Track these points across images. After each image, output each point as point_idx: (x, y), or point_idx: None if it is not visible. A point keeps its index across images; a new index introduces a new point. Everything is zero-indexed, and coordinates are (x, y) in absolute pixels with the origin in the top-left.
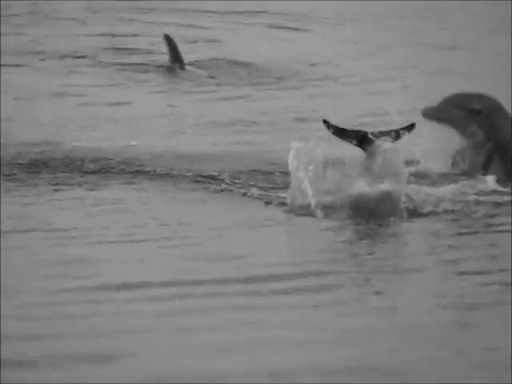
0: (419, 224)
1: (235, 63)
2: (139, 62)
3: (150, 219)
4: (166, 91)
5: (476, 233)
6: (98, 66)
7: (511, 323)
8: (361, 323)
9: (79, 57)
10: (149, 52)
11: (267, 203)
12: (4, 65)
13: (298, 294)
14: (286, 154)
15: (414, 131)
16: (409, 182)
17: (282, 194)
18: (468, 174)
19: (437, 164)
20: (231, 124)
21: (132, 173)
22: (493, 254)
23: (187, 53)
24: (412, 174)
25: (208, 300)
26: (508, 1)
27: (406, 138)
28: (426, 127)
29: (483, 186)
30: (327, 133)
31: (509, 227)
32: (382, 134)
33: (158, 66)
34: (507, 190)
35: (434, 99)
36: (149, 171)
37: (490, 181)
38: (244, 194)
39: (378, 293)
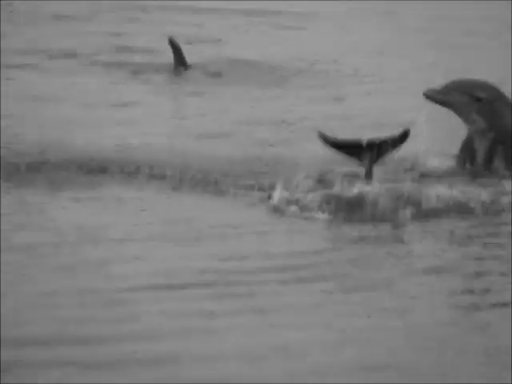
0: (423, 225)
1: (240, 62)
2: (143, 61)
3: (151, 219)
4: (169, 92)
5: (483, 236)
6: (100, 65)
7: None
8: (365, 324)
9: (81, 56)
10: (153, 52)
11: (267, 204)
12: (4, 64)
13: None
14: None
15: (414, 130)
16: (413, 181)
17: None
18: (472, 170)
19: (439, 162)
20: (235, 125)
21: (132, 173)
22: (498, 255)
23: (191, 53)
24: (416, 173)
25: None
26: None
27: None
28: (426, 126)
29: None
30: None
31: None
32: (377, 143)
33: (161, 66)
34: None
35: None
36: (149, 171)
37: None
38: (245, 196)
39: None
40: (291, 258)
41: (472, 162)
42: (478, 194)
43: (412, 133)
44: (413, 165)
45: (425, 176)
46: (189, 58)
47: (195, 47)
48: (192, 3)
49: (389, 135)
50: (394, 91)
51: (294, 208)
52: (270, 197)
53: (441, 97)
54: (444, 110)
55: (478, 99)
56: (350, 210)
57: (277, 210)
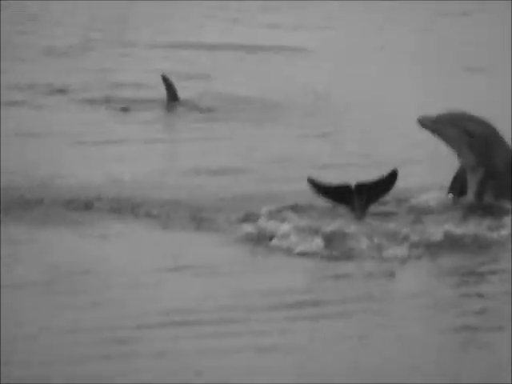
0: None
1: (231, 98)
2: (134, 97)
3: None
4: (160, 128)
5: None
6: (91, 101)
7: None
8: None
9: (72, 92)
10: (144, 87)
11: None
12: None
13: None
14: (280, 190)
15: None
16: (405, 215)
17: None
18: (464, 204)
19: (431, 195)
20: (227, 161)
21: (122, 209)
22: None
23: (183, 88)
24: (410, 208)
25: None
26: (508, 1)
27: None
28: (419, 160)
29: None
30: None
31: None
32: (366, 187)
33: (153, 102)
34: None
35: None
36: (139, 208)
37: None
38: (234, 232)
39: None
40: (279, 296)
41: (464, 194)
42: (471, 227)
43: (405, 168)
44: (405, 199)
45: (417, 210)
46: (180, 93)
47: (186, 83)
48: (182, 39)
49: (378, 177)
50: (387, 126)
51: (282, 243)
52: (259, 233)
53: (434, 126)
54: (437, 143)
55: (471, 135)
56: (338, 245)
57: (265, 246)
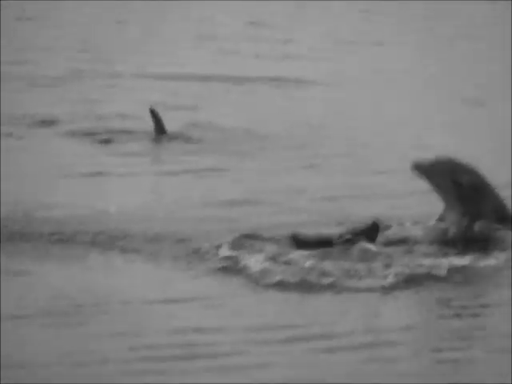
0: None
1: (217, 129)
2: (120, 128)
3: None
4: (147, 160)
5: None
6: (76, 133)
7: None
8: None
9: (56, 124)
10: (129, 119)
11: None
12: None
13: None
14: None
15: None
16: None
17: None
18: (450, 238)
19: (418, 229)
20: (216, 195)
21: (106, 243)
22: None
23: (169, 120)
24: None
25: None
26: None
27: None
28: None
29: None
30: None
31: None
32: (348, 241)
33: (139, 134)
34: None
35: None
36: (123, 242)
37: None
38: (221, 267)
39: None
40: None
41: (449, 231)
42: (457, 260)
43: (398, 200)
44: (392, 233)
45: (401, 243)
46: (167, 123)
47: (173, 113)
48: (168, 70)
49: (359, 227)
50: (381, 160)
51: (268, 277)
52: (243, 267)
53: (426, 173)
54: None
55: (460, 184)
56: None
57: (251, 280)
